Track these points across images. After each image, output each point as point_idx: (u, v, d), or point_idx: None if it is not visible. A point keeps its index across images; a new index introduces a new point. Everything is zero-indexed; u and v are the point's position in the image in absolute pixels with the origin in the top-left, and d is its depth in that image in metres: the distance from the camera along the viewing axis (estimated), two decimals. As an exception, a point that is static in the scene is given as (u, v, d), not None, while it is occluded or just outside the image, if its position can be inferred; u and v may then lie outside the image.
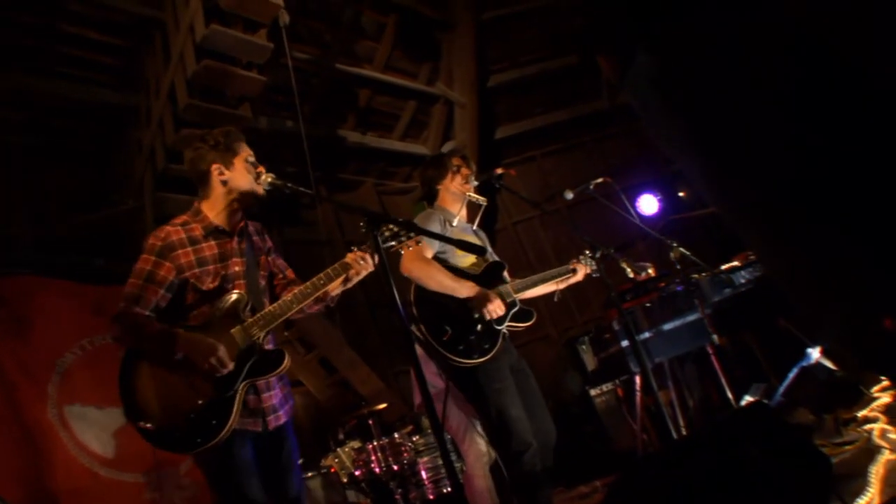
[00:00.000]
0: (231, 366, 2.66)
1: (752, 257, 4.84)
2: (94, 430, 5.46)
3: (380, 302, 8.74)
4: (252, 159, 2.98)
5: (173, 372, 2.67)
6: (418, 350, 3.39)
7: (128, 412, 2.67)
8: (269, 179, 2.92)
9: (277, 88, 7.13)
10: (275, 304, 2.84)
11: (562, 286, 4.02)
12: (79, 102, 6.32)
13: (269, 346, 2.88)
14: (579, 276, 4.01)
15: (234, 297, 2.79)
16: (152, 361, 2.70)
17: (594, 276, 3.98)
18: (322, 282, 2.86)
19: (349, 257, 2.89)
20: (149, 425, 2.62)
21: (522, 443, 3.27)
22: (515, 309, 3.68)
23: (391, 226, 2.57)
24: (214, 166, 2.94)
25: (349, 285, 3.02)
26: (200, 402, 2.64)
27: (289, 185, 2.91)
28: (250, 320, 2.78)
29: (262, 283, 3.04)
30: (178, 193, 6.25)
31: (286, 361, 2.80)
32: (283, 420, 2.92)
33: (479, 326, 3.47)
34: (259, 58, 5.84)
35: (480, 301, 3.48)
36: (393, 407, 7.05)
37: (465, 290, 3.51)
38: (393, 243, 2.61)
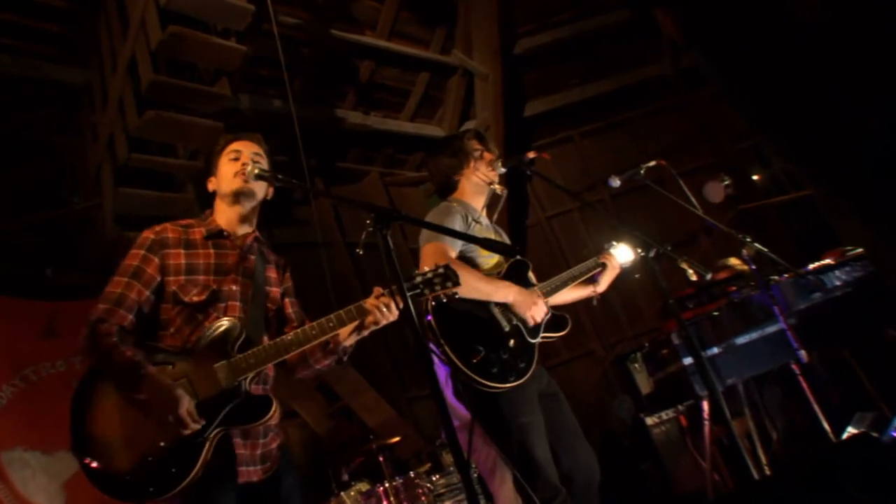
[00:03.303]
0: (194, 427, 2.63)
1: (850, 253, 4.74)
2: (39, 480, 5.39)
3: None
4: (234, 155, 3.08)
5: (140, 404, 2.65)
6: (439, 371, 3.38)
7: (74, 444, 2.66)
8: (256, 171, 2.97)
9: (261, 61, 7.10)
10: (271, 342, 2.83)
11: (601, 288, 4.05)
12: (16, 80, 6.26)
13: (256, 389, 2.87)
14: (613, 270, 4.05)
15: (225, 325, 2.80)
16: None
17: (624, 267, 4.04)
18: (332, 324, 2.84)
19: (369, 302, 2.86)
20: (95, 463, 2.60)
21: (550, 488, 3.26)
22: (548, 316, 3.69)
23: (425, 270, 2.72)
24: (209, 180, 3.17)
25: (364, 334, 3.00)
26: (163, 444, 2.62)
27: (278, 176, 2.96)
28: (239, 357, 2.77)
29: (267, 317, 3.06)
30: (144, 188, 6.20)
31: (273, 411, 2.77)
32: (268, 466, 2.88)
33: (511, 342, 3.47)
34: (238, 23, 5.82)
35: (523, 304, 3.52)
36: (407, 440, 6.98)
37: (501, 292, 3.54)
38: (425, 291, 2.73)
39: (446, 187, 3.96)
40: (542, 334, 3.62)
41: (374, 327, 2.92)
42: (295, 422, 7.64)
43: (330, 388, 7.83)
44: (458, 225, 3.60)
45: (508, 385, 3.34)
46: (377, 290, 2.86)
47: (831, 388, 4.92)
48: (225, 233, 3.03)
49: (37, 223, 6.46)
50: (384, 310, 2.83)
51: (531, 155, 3.89)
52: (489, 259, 3.72)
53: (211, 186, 3.14)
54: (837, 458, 2.80)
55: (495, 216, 4.01)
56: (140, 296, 2.81)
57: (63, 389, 5.47)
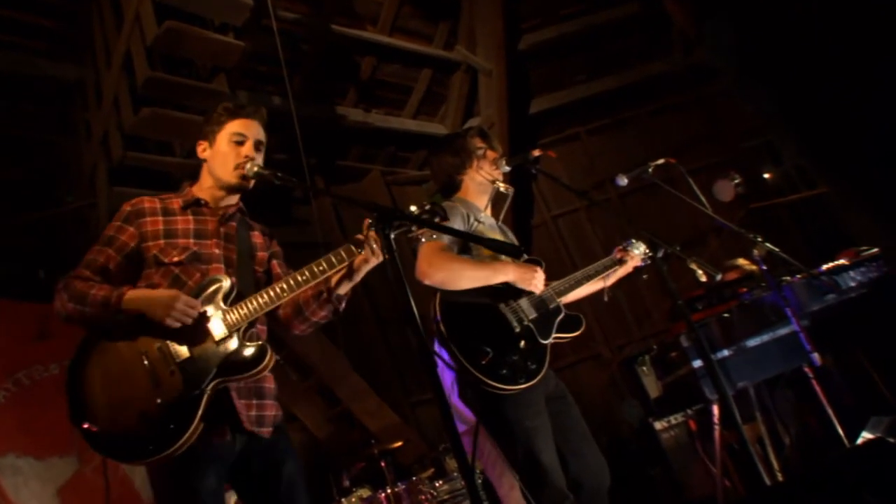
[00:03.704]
0: (200, 307, 2.73)
1: (865, 253, 4.71)
2: (32, 487, 5.35)
3: (392, 316, 8.66)
4: (238, 138, 3.06)
5: (133, 364, 2.70)
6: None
7: (72, 411, 2.70)
8: (255, 170, 2.99)
9: (260, 57, 7.09)
10: (262, 292, 2.86)
11: (610, 282, 4.05)
12: (8, 76, 6.24)
13: (250, 342, 2.88)
14: (629, 267, 4.04)
15: (216, 281, 2.85)
16: (108, 350, 2.74)
17: (644, 264, 4.03)
18: (321, 268, 2.87)
19: (357, 238, 2.88)
20: (94, 427, 2.65)
21: (558, 494, 3.25)
22: (561, 316, 3.68)
23: (412, 208, 2.65)
24: (200, 142, 3.13)
25: (356, 279, 3.03)
26: (159, 400, 2.65)
27: (278, 175, 2.94)
28: (231, 310, 2.82)
29: (256, 277, 3.10)
30: (140, 188, 6.18)
31: (268, 359, 2.81)
32: (265, 432, 2.90)
33: (522, 343, 3.46)
34: (236, 18, 5.81)
35: (524, 279, 3.56)
36: (410, 446, 6.98)
37: (500, 272, 3.57)
38: (412, 227, 2.66)
39: (449, 186, 3.94)
40: (554, 335, 3.59)
41: (365, 267, 2.97)
42: (294, 426, 7.64)
43: (331, 393, 7.83)
44: (457, 225, 3.58)
45: (519, 387, 3.32)
46: (365, 222, 2.87)
47: (845, 392, 4.87)
48: (203, 201, 3.06)
49: (29, 223, 6.45)
50: (374, 245, 2.85)
51: (536, 153, 3.86)
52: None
53: (202, 153, 3.13)
54: (852, 463, 2.78)
55: (501, 216, 3.99)
56: (108, 260, 2.86)
57: (56, 393, 5.35)
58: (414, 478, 5.83)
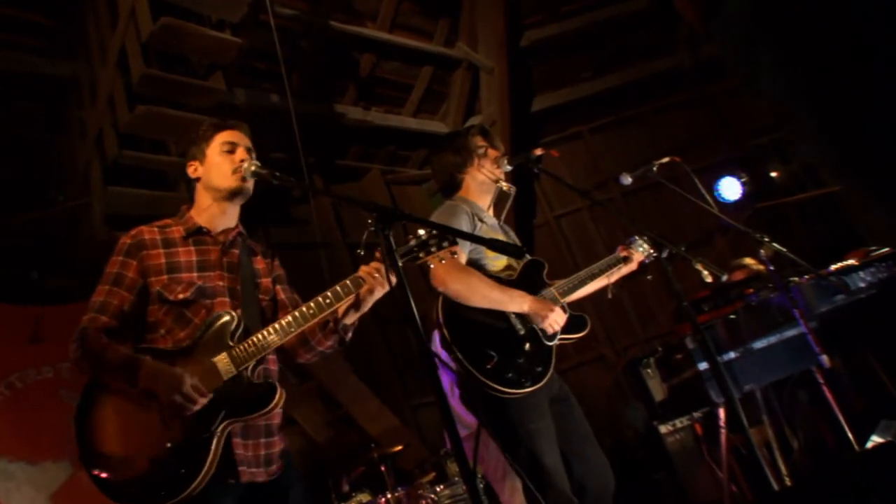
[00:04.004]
0: (202, 401, 2.65)
1: (875, 253, 4.70)
2: (25, 492, 5.32)
3: (392, 318, 8.64)
4: (228, 147, 3.07)
5: (141, 407, 2.67)
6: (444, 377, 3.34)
7: (83, 456, 2.66)
8: (253, 168, 3.00)
9: (257, 53, 7.08)
10: (269, 327, 2.83)
11: (614, 279, 4.04)
12: (2, 74, 6.23)
13: (258, 381, 2.86)
14: (633, 265, 4.01)
15: (221, 318, 2.83)
16: (116, 393, 2.72)
17: (648, 260, 4.00)
18: (329, 301, 2.86)
19: (362, 270, 2.88)
20: (105, 474, 2.60)
21: (561, 498, 3.24)
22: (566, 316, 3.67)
23: (420, 233, 2.68)
24: (189, 164, 3.12)
25: (363, 309, 3.02)
26: (169, 444, 2.62)
27: (276, 174, 2.95)
28: (239, 346, 2.79)
29: (262, 307, 3.08)
30: (135, 187, 6.17)
31: (278, 397, 2.78)
32: (275, 469, 2.90)
33: (527, 345, 3.47)
34: (233, 14, 5.81)
35: (539, 313, 3.49)
36: (410, 449, 6.97)
37: (516, 301, 3.53)
38: (420, 255, 2.68)
39: (451, 186, 3.94)
40: (559, 336, 3.58)
41: (370, 298, 2.95)
42: (293, 430, 7.62)
43: (330, 396, 7.81)
44: (464, 225, 3.58)
45: (525, 390, 3.33)
46: (360, 251, 2.83)
47: (855, 395, 4.87)
48: (204, 229, 3.04)
49: (23, 223, 6.43)
50: (376, 276, 2.84)
51: (538, 152, 3.87)
52: (497, 260, 3.70)
53: (194, 173, 3.11)
54: (861, 468, 2.77)
55: (503, 215, 3.98)
56: (123, 301, 2.83)
57: (49, 397, 5.41)
58: (415, 482, 5.82)
